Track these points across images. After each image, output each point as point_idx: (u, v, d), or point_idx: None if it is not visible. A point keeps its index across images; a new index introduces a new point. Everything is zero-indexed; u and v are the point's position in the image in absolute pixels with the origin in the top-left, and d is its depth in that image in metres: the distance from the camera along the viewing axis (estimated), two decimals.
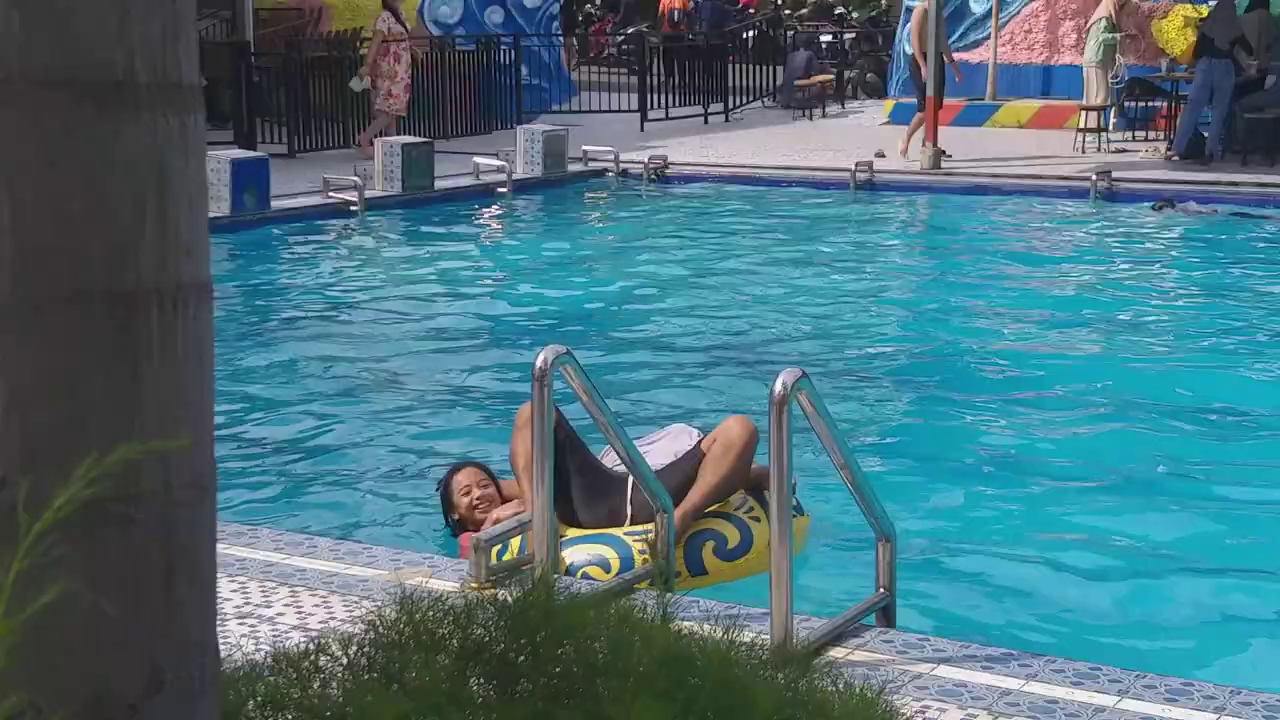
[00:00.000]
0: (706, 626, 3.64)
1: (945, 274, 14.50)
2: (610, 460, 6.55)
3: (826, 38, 31.49)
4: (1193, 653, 5.91)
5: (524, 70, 25.41)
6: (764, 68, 28.69)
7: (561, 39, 28.24)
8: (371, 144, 19.18)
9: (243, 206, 15.98)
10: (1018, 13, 25.65)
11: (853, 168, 19.01)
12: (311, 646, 3.16)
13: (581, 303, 13.13)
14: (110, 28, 2.34)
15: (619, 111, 25.85)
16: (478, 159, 19.11)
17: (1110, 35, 21.79)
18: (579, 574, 6.04)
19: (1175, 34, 22.74)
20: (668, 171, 20.12)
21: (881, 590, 5.49)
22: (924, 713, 4.51)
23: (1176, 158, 20.10)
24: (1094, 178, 18.02)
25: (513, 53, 25.04)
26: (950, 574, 6.74)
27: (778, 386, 4.89)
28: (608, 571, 6.08)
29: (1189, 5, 22.95)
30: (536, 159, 19.45)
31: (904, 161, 19.85)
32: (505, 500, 6.74)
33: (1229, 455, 8.54)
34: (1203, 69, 19.82)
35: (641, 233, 16.86)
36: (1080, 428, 9.10)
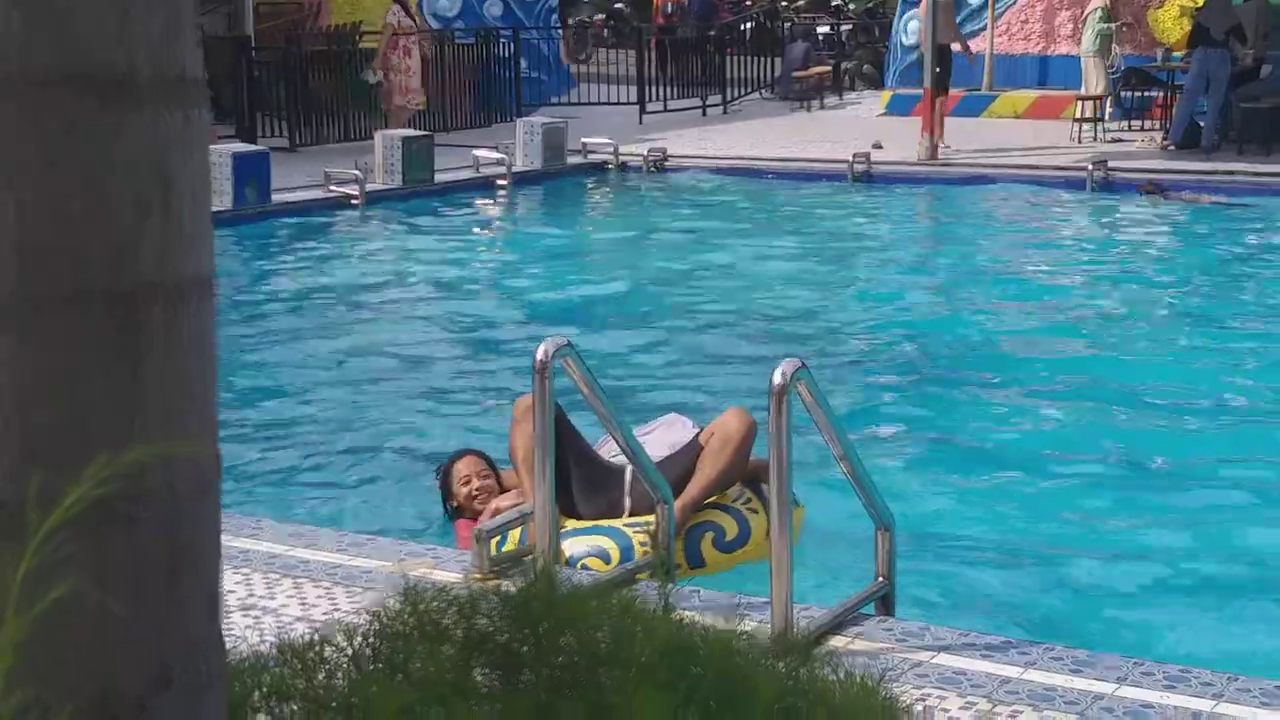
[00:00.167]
0: (708, 616, 3.67)
1: (942, 264, 14.52)
2: (608, 451, 6.57)
3: (824, 29, 31.53)
4: (1191, 639, 5.93)
5: (523, 63, 25.42)
6: (762, 59, 28.70)
7: (560, 32, 28.23)
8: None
9: (244, 200, 16.03)
10: (1014, 3, 25.64)
11: (850, 159, 19.03)
12: (316, 637, 3.18)
13: (581, 294, 13.16)
14: (111, 25, 2.33)
15: (618, 104, 25.85)
16: (477, 152, 19.12)
17: (1106, 25, 21.79)
18: (578, 565, 6.06)
19: (1171, 23, 22.76)
20: (666, 163, 20.14)
21: (881, 579, 5.51)
22: (924, 701, 4.53)
23: (1173, 147, 20.12)
24: (1090, 168, 18.04)
25: (512, 45, 25.04)
26: (949, 563, 6.77)
27: (777, 377, 4.91)
28: (608, 563, 6.10)
29: None
30: (536, 152, 19.46)
31: (946, 149, 19.76)
32: (504, 490, 6.76)
33: (1228, 443, 8.56)
34: (1198, 59, 19.83)
35: (641, 224, 16.88)
36: (1079, 416, 9.12)
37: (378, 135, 18.52)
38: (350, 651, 3.16)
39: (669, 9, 31.89)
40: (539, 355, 5.47)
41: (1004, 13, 25.57)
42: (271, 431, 8.97)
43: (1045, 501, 7.63)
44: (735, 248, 15.17)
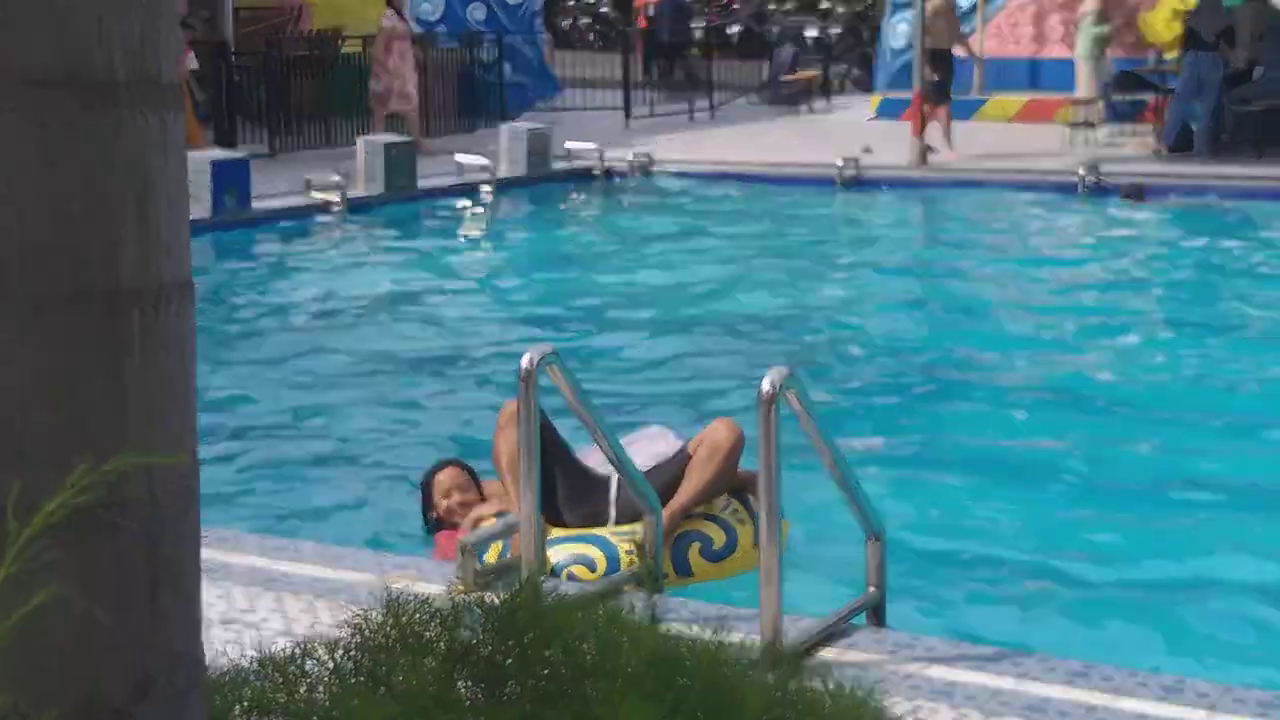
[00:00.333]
0: (695, 627, 3.62)
1: (932, 270, 14.50)
2: (592, 460, 6.52)
3: (812, 33, 31.52)
4: (1186, 650, 5.89)
5: (507, 68, 25.35)
6: (750, 63, 28.71)
7: (544, 34, 28.20)
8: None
9: (224, 207, 15.88)
10: (1004, 5, 25.65)
11: (839, 163, 18.98)
12: (297, 650, 3.13)
13: (566, 301, 13.10)
14: (107, 26, 2.36)
15: (603, 109, 25.81)
16: (460, 157, 19.04)
17: (1100, 29, 21.79)
18: (564, 573, 6.01)
19: (1163, 26, 22.76)
20: (652, 168, 20.09)
21: (872, 589, 5.47)
22: (915, 713, 4.48)
23: (1165, 151, 20.11)
24: (1082, 172, 18.01)
25: (496, 50, 24.98)
26: (941, 572, 6.72)
27: (766, 385, 4.87)
28: (594, 570, 6.05)
29: None
30: (520, 157, 19.40)
31: (935, 154, 19.73)
32: (485, 501, 6.71)
33: (1221, 452, 8.52)
34: (1190, 62, 19.83)
35: (626, 230, 16.84)
36: (1069, 424, 9.09)
37: (360, 141, 18.43)
38: (332, 664, 3.12)
39: (651, 11, 31.87)
40: (524, 363, 5.43)
41: (995, 15, 25.58)
42: (251, 441, 8.90)
43: (1038, 510, 7.59)
44: (722, 253, 15.13)
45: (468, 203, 18.35)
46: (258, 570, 5.83)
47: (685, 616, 4.95)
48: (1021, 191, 18.23)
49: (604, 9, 38.47)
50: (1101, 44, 21.88)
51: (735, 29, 30.77)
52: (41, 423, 2.32)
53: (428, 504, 6.86)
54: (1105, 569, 6.80)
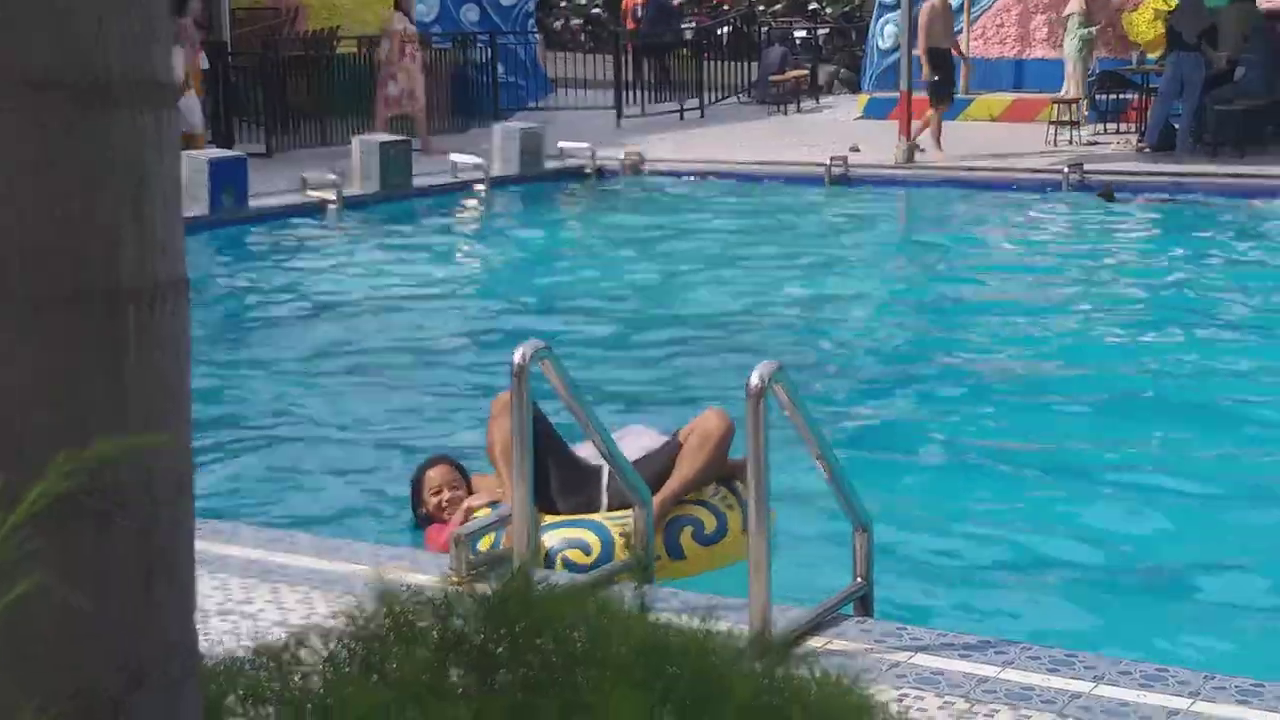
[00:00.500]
0: (685, 617, 3.67)
1: (919, 267, 14.56)
2: (585, 453, 6.59)
3: (800, 33, 31.52)
4: (1168, 639, 5.95)
5: (500, 68, 25.38)
6: (739, 64, 28.71)
7: (538, 35, 28.21)
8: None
9: (221, 206, 15.94)
10: (990, 6, 25.66)
11: (827, 162, 19.03)
12: (291, 640, 3.17)
13: (558, 298, 13.15)
14: (107, 26, 2.36)
15: (595, 109, 25.83)
16: (455, 157, 19.08)
17: (1087, 30, 21.84)
18: (558, 558, 6.08)
19: (1145, 26, 22.79)
20: (644, 167, 20.13)
21: (859, 580, 5.52)
22: (901, 700, 4.53)
23: (1148, 150, 20.17)
24: (1066, 170, 18.08)
25: (489, 50, 25.00)
26: (927, 563, 6.78)
27: (754, 379, 4.93)
28: (588, 554, 6.12)
29: None
30: (514, 156, 19.44)
31: (922, 154, 19.76)
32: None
33: (1202, 443, 8.58)
34: (1172, 62, 19.88)
35: (618, 228, 16.87)
36: (1053, 417, 9.15)
37: (355, 140, 18.49)
38: (326, 653, 3.16)
39: (638, 13, 31.85)
40: (517, 358, 5.48)
41: (980, 16, 25.60)
42: (247, 436, 8.95)
43: (1023, 501, 7.65)
44: (712, 251, 15.17)
45: (462, 201, 18.40)
46: (254, 562, 5.88)
47: (675, 606, 4.98)
48: (1006, 190, 18.29)
49: (596, 9, 38.47)
50: (1090, 44, 21.91)
51: (725, 30, 30.73)
52: (41, 422, 2.31)
53: (417, 500, 6.92)
54: (1089, 559, 6.86)
